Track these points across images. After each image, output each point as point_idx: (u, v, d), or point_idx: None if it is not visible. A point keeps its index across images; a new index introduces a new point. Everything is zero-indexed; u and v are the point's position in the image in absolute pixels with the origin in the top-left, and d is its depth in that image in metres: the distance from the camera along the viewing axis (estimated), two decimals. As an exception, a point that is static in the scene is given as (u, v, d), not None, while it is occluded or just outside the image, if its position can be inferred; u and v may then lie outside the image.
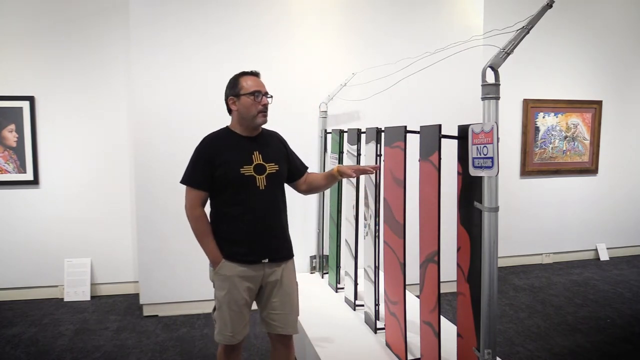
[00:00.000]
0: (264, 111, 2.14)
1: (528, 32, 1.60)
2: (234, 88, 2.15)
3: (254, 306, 2.25)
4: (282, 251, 2.22)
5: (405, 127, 2.32)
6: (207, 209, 2.19)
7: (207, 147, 2.15)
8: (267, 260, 2.14)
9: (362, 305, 3.03)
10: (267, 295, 2.19)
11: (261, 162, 2.13)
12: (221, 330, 2.14)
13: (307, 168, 2.43)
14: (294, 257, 2.30)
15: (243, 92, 2.12)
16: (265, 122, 2.17)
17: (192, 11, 3.82)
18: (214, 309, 2.19)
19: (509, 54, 1.61)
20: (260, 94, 2.12)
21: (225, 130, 2.21)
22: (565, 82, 5.36)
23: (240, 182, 2.09)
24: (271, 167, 2.15)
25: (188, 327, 3.67)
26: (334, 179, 2.35)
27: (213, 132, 2.22)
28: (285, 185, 2.31)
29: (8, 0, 4.04)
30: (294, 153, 2.39)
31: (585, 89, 5.43)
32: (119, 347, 3.31)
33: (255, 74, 2.19)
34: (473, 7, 4.35)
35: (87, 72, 4.20)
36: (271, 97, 2.19)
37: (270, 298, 2.19)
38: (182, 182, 2.16)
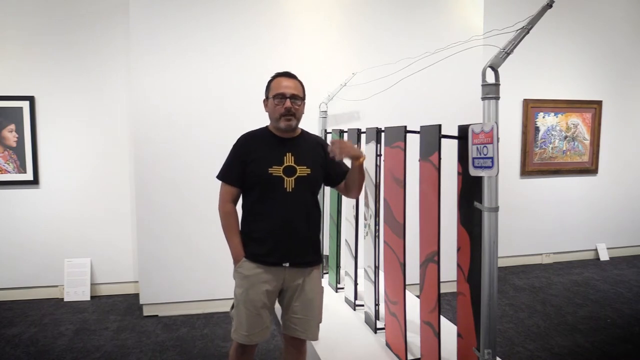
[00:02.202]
0: (286, 115, 2.08)
1: (528, 32, 1.60)
2: (266, 90, 2.18)
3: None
4: (305, 257, 2.13)
5: (405, 127, 2.33)
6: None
7: (241, 145, 2.16)
8: (287, 265, 2.08)
9: (362, 305, 3.03)
10: (288, 298, 2.16)
11: (292, 164, 2.08)
12: (237, 329, 2.13)
13: None
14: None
15: (270, 94, 2.13)
16: (289, 126, 2.10)
17: (192, 10, 3.82)
18: (232, 307, 2.18)
19: (509, 54, 1.61)
20: (283, 97, 2.08)
21: (263, 130, 2.21)
22: (565, 82, 5.36)
23: (267, 182, 2.06)
24: (302, 170, 2.09)
25: (188, 327, 3.67)
26: (353, 169, 2.17)
27: (251, 130, 2.22)
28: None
29: (8, 0, 4.04)
30: None
31: (585, 89, 5.43)
32: (119, 347, 3.31)
33: (285, 75, 2.16)
34: (473, 7, 4.35)
35: (87, 72, 4.20)
36: (301, 100, 2.14)
37: (291, 302, 2.15)
38: (217, 177, 2.18)
